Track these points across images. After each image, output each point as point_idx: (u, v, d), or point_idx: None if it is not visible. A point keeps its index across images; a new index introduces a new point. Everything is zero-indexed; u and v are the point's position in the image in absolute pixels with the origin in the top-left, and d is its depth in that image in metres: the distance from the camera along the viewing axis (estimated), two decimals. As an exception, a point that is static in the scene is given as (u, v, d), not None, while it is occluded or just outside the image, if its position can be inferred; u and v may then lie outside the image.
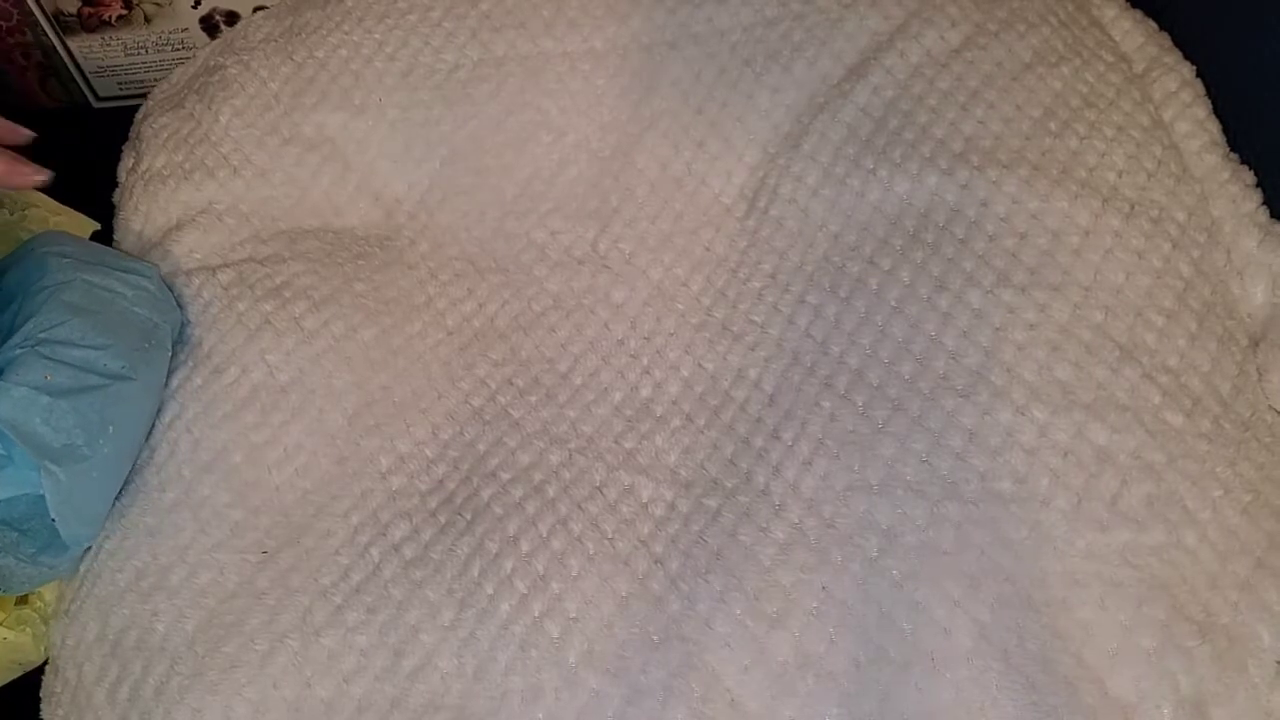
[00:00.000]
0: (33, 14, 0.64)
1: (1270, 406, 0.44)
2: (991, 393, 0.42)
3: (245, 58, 0.57)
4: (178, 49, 0.67)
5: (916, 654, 0.38)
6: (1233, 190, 0.48)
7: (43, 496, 0.42)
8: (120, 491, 0.46)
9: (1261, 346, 0.45)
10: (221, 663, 0.41)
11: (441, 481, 0.46)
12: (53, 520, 0.42)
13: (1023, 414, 0.41)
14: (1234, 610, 0.38)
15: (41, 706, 0.45)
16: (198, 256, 0.52)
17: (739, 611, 0.40)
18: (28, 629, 0.49)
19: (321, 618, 0.42)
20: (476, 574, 0.42)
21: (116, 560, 0.45)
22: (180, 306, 0.50)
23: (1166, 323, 0.43)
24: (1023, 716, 0.37)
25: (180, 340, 0.50)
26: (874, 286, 0.46)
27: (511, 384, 0.49)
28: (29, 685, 0.46)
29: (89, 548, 0.46)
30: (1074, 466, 0.40)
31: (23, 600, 0.48)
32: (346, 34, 0.57)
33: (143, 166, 0.55)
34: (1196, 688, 0.37)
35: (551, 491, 0.45)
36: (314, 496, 0.46)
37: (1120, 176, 0.46)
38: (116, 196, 0.57)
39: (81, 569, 0.46)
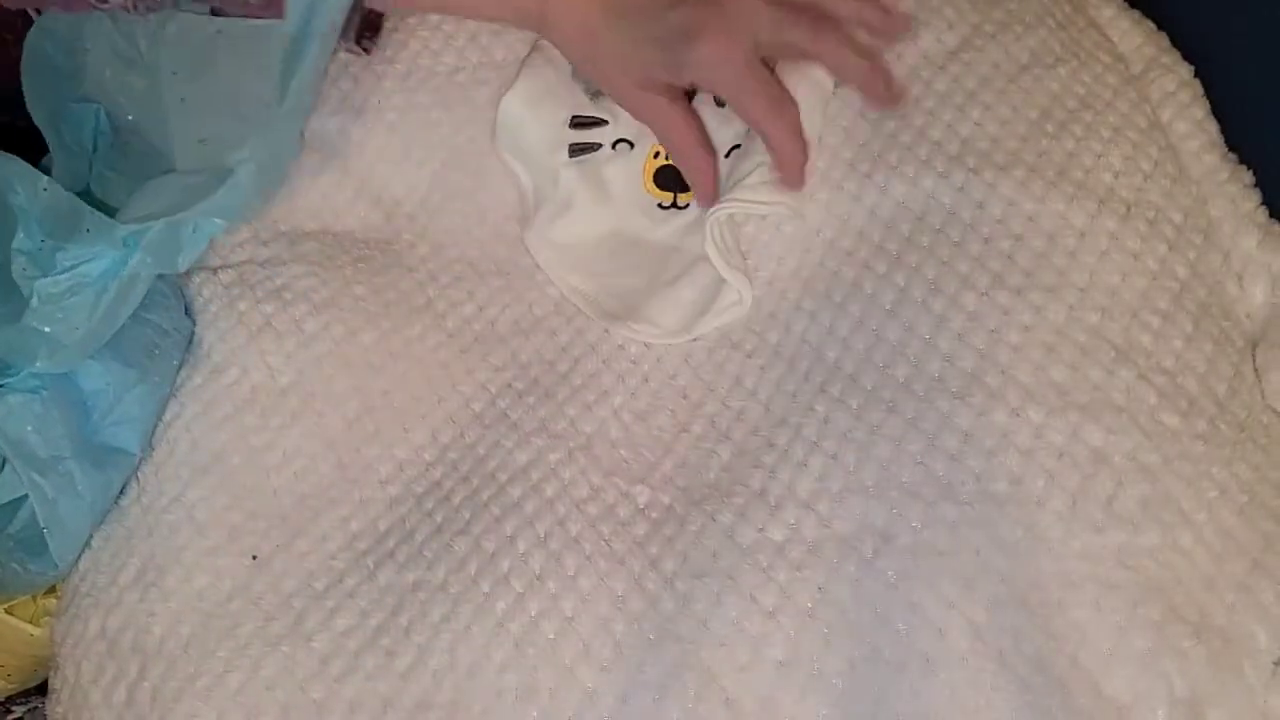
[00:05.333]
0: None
1: (1268, 407, 0.44)
2: (987, 394, 0.42)
3: (246, 61, 0.58)
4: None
5: (911, 654, 0.38)
6: (1231, 190, 0.48)
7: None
8: (122, 489, 0.47)
9: (1261, 346, 0.45)
10: (216, 667, 0.42)
11: (439, 483, 0.46)
12: (43, 529, 0.43)
13: (1018, 415, 0.41)
14: (1229, 611, 0.38)
15: (46, 703, 0.46)
16: (197, 257, 0.52)
17: (735, 612, 0.40)
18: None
19: (314, 622, 0.42)
20: (473, 572, 0.42)
21: (115, 559, 0.45)
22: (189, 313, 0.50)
23: (1162, 324, 0.43)
24: (1018, 717, 0.37)
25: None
26: (869, 291, 0.46)
27: (511, 387, 0.49)
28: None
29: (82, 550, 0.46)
30: (1069, 468, 0.40)
31: (50, 590, 0.49)
32: (345, 37, 0.57)
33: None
34: (1191, 689, 0.37)
35: (550, 491, 0.45)
36: (312, 501, 0.46)
37: (1117, 178, 0.46)
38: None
39: (81, 566, 0.46)
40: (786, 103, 0.47)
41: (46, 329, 0.42)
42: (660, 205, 0.52)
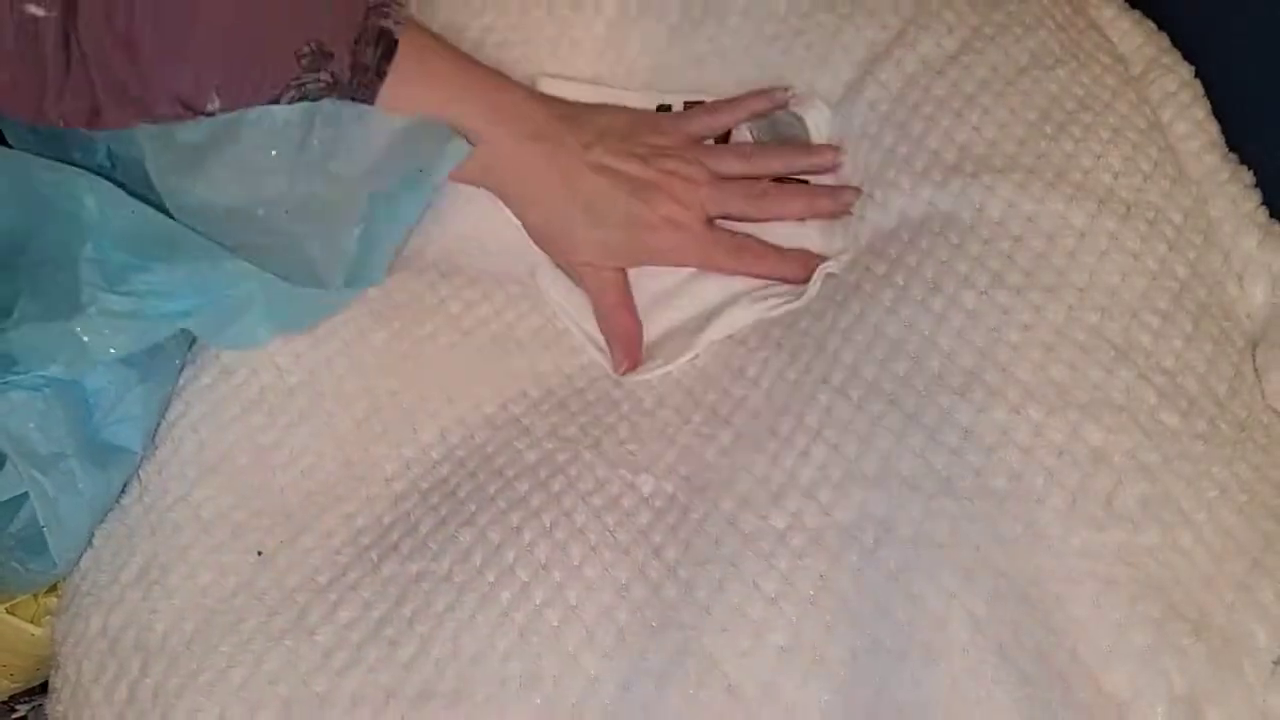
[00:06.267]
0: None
1: (1268, 407, 0.44)
2: (986, 392, 0.42)
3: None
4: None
5: (912, 644, 0.38)
6: (1231, 190, 0.48)
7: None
8: (123, 487, 0.47)
9: (1261, 346, 0.45)
10: (219, 663, 0.42)
11: (445, 479, 0.47)
12: (43, 528, 0.43)
13: (1018, 413, 0.41)
14: (1229, 610, 0.38)
15: (47, 702, 0.46)
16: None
17: (737, 598, 0.40)
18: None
19: (317, 615, 0.43)
20: (478, 563, 0.43)
21: (118, 557, 0.45)
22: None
23: (1162, 324, 0.43)
24: (1018, 709, 0.37)
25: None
26: (868, 290, 0.47)
27: (525, 395, 0.50)
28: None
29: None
30: (1069, 466, 0.40)
31: (51, 589, 0.49)
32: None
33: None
34: (1191, 686, 0.37)
35: (556, 486, 0.45)
36: (318, 498, 0.46)
37: (1116, 178, 0.46)
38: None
39: (82, 564, 0.46)
40: (750, 247, 0.51)
41: (86, 339, 0.43)
42: None
